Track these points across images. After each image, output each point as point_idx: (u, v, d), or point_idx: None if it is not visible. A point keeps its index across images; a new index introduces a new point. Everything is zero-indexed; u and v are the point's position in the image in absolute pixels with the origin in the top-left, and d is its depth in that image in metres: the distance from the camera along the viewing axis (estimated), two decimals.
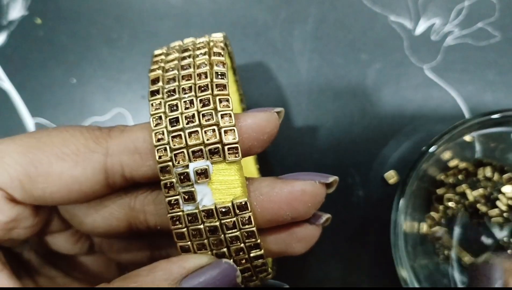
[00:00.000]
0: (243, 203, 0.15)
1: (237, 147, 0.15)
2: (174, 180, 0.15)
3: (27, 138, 0.16)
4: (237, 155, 0.15)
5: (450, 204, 0.25)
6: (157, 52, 0.18)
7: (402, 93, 0.27)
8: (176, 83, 0.16)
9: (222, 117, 0.15)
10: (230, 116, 0.15)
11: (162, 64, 0.17)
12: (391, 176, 0.26)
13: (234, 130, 0.15)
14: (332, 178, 0.17)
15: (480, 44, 0.27)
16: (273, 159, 0.27)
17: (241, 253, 0.16)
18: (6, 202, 0.16)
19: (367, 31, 0.28)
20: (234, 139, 0.15)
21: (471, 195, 0.25)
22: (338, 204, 0.26)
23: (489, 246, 0.25)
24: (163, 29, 0.29)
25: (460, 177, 0.25)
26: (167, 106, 0.15)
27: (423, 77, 0.27)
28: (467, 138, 0.24)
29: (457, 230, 0.25)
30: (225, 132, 0.15)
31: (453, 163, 0.25)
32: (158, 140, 0.15)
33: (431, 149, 0.23)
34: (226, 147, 0.15)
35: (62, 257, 0.19)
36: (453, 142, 0.24)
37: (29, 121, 0.29)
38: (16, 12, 0.30)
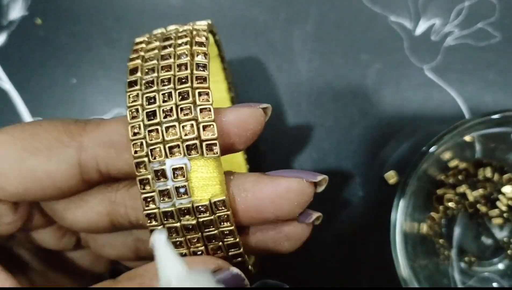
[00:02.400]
0: (221, 201, 0.15)
1: (216, 143, 0.14)
2: (150, 176, 0.15)
3: (1, 134, 0.15)
4: (215, 151, 0.15)
5: (450, 204, 0.25)
6: (138, 39, 0.17)
7: (402, 93, 0.27)
8: (155, 74, 0.15)
9: (201, 112, 0.15)
10: (210, 110, 0.15)
11: (142, 53, 0.16)
12: (391, 176, 0.26)
13: (213, 125, 0.15)
14: (320, 177, 0.16)
15: (480, 44, 0.27)
16: (272, 159, 0.27)
17: (219, 251, 0.15)
18: None
19: (367, 31, 0.28)
20: (213, 135, 0.14)
21: (471, 195, 0.25)
22: (338, 204, 0.26)
23: (489, 246, 0.25)
24: None
25: (460, 177, 0.25)
26: (144, 98, 0.15)
27: (423, 77, 0.27)
28: (467, 138, 0.24)
29: (457, 230, 0.25)
30: (204, 127, 0.15)
31: (453, 163, 0.25)
32: (134, 134, 0.14)
33: (431, 149, 0.23)
34: (204, 143, 0.15)
35: (51, 252, 0.19)
36: (453, 142, 0.24)
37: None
38: (16, 12, 0.30)
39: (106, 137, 0.15)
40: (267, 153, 0.27)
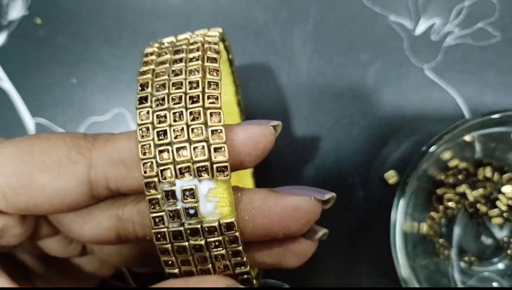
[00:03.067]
0: (230, 223, 0.15)
1: (227, 166, 0.14)
2: (159, 196, 0.14)
3: (9, 147, 0.15)
4: (226, 174, 0.14)
5: (450, 204, 0.25)
6: (148, 50, 0.17)
7: (402, 93, 0.27)
8: (166, 91, 0.15)
9: (212, 133, 0.14)
10: (221, 132, 0.14)
11: (153, 66, 0.16)
12: (391, 176, 0.26)
13: (224, 148, 0.14)
14: (328, 195, 0.16)
15: (480, 44, 0.27)
16: (273, 159, 0.27)
17: (226, 270, 0.15)
18: None
19: (367, 31, 0.28)
20: (224, 157, 0.14)
21: (471, 195, 0.25)
22: (338, 204, 0.26)
23: (489, 246, 0.25)
24: (163, 29, 0.29)
25: (460, 177, 0.25)
26: (155, 116, 0.15)
27: (423, 77, 0.27)
28: (467, 138, 0.24)
29: (457, 230, 0.25)
30: (215, 149, 0.14)
31: (453, 163, 0.25)
32: (144, 153, 0.14)
33: (431, 149, 0.23)
34: (215, 166, 0.14)
35: (56, 258, 0.19)
36: (453, 142, 0.24)
37: (29, 121, 0.29)
38: (16, 12, 0.30)
39: (116, 154, 0.15)
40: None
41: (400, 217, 0.23)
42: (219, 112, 0.15)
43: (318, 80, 0.28)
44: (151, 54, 0.17)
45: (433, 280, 0.24)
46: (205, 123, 0.14)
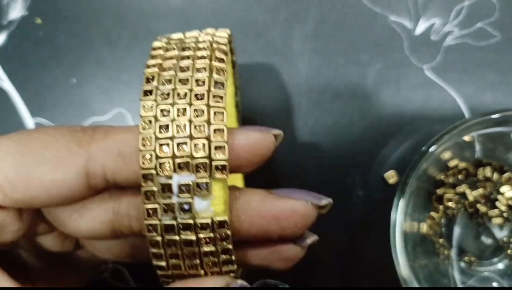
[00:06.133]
0: (223, 221, 0.15)
1: (226, 165, 0.14)
2: (155, 189, 0.14)
3: (7, 141, 0.15)
4: (224, 173, 0.14)
5: (450, 204, 0.25)
6: (156, 44, 0.17)
7: (402, 93, 0.27)
8: (172, 86, 0.15)
9: (214, 132, 0.14)
10: (223, 131, 0.15)
11: (160, 61, 0.16)
12: (391, 176, 0.26)
13: (225, 147, 0.14)
14: (325, 201, 0.16)
15: (480, 44, 0.27)
16: (272, 159, 0.27)
17: (214, 267, 0.16)
18: None
19: (367, 31, 0.28)
20: (224, 157, 0.14)
21: (471, 195, 0.25)
22: (338, 204, 0.26)
23: (489, 246, 0.25)
24: (163, 29, 0.29)
25: (460, 177, 0.25)
26: (158, 110, 0.15)
27: (423, 77, 0.27)
28: (467, 138, 0.24)
29: (457, 230, 0.25)
30: (215, 148, 0.14)
31: (453, 163, 0.25)
32: (144, 145, 0.14)
33: (431, 149, 0.23)
34: (214, 164, 0.14)
35: (52, 252, 0.19)
36: (453, 142, 0.24)
37: (29, 121, 0.29)
38: (16, 12, 0.30)
39: (115, 146, 0.15)
40: None
41: (400, 217, 0.23)
42: (223, 112, 0.15)
43: (318, 80, 0.28)
44: (159, 48, 0.17)
45: (433, 280, 0.24)
46: (208, 121, 0.15)
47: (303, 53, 0.28)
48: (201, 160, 0.14)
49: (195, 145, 0.14)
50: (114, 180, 0.16)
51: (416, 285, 0.23)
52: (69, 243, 0.19)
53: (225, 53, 0.16)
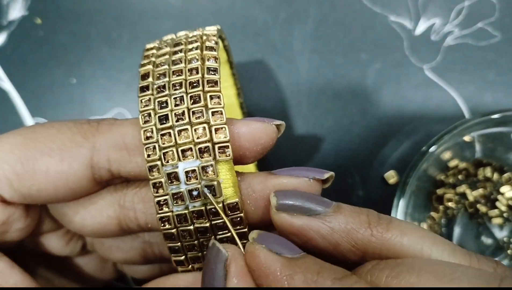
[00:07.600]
0: (234, 203, 0.15)
1: (228, 145, 0.15)
2: (163, 179, 0.15)
3: (13, 136, 0.16)
4: (228, 154, 0.15)
5: (450, 204, 0.25)
6: (149, 46, 0.17)
7: (402, 93, 0.27)
8: (167, 79, 0.15)
9: (212, 115, 0.15)
10: (221, 113, 0.15)
11: (153, 59, 0.16)
12: (391, 176, 0.26)
13: (225, 128, 0.15)
14: (327, 174, 0.16)
15: (480, 44, 0.27)
16: (273, 159, 0.27)
17: None
18: None
19: (367, 31, 0.28)
20: (225, 137, 0.15)
21: (471, 195, 0.25)
22: None
23: (489, 246, 0.25)
24: (163, 29, 0.29)
25: (460, 177, 0.25)
26: (156, 103, 0.15)
27: (423, 77, 0.27)
28: (467, 138, 0.24)
29: (457, 230, 0.25)
30: (216, 130, 0.15)
31: (453, 163, 0.25)
32: (147, 138, 0.15)
33: (431, 149, 0.23)
34: (216, 146, 0.15)
35: (57, 259, 0.19)
36: (453, 142, 0.24)
37: (29, 121, 0.29)
38: (16, 12, 0.30)
39: (120, 138, 0.15)
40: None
41: (400, 217, 0.23)
42: (219, 95, 0.15)
43: (318, 80, 0.28)
44: (152, 48, 0.17)
45: None
46: (206, 106, 0.15)
47: (303, 53, 0.28)
48: (203, 144, 0.15)
49: (195, 130, 0.15)
50: (118, 172, 0.16)
51: None
52: (74, 245, 0.19)
53: (215, 42, 0.16)
